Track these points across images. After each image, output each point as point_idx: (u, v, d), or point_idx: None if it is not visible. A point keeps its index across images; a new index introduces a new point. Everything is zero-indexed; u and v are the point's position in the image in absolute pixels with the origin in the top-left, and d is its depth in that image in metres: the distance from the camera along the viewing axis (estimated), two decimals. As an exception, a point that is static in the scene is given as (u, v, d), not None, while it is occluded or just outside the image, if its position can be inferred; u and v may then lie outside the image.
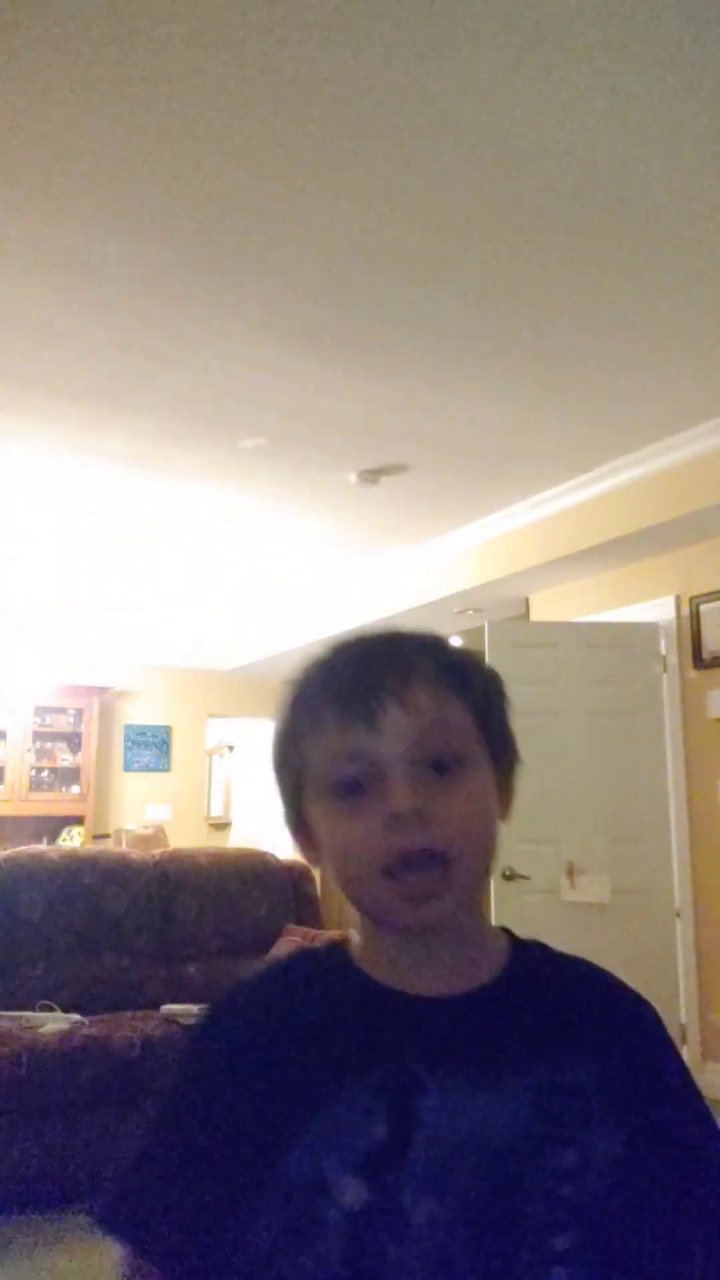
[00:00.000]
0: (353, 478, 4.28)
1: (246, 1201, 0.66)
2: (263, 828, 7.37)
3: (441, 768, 0.68)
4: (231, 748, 8.79)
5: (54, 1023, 3.30)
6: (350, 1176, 0.64)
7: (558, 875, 4.19)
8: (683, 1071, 0.74)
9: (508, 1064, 0.68)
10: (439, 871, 0.66)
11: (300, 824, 0.75)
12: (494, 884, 4.24)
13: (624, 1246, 0.66)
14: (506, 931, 0.77)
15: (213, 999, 0.77)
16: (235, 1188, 0.66)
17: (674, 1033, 4.16)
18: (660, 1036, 0.75)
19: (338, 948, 0.76)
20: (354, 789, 0.68)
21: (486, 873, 0.71)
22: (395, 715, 0.68)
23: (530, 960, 0.75)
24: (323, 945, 0.78)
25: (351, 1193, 0.64)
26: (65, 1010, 3.41)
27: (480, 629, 4.55)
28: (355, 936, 0.75)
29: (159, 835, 7.02)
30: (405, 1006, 0.69)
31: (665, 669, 4.50)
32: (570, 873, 4.19)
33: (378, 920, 0.70)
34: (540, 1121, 0.66)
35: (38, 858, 3.90)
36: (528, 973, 0.74)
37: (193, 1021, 0.73)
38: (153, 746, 8.30)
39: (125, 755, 8.17)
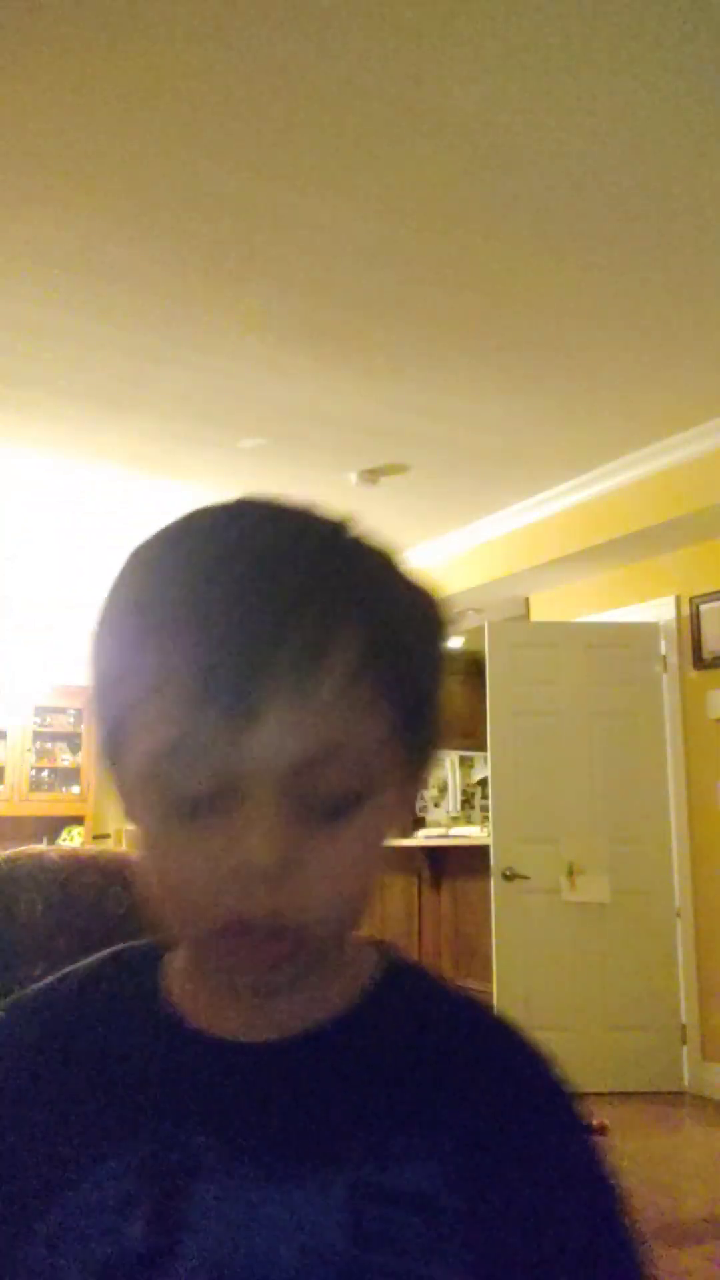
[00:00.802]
0: (353, 478, 4.28)
1: None
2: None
3: (333, 809, 0.44)
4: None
5: (54, 1023, 3.29)
6: None
7: (558, 875, 4.19)
8: (591, 1171, 0.50)
9: (322, 1148, 0.46)
10: (285, 942, 0.44)
11: (113, 763, 0.51)
12: (494, 884, 4.24)
13: None
14: (382, 948, 0.55)
15: None
16: None
17: (674, 1033, 4.20)
18: (564, 1117, 0.51)
19: (155, 954, 0.55)
20: (198, 803, 0.45)
21: (356, 924, 0.49)
22: (285, 717, 0.42)
23: (397, 995, 0.53)
24: (145, 945, 0.56)
25: None
26: (65, 1010, 3.40)
27: (480, 629, 4.56)
28: None
29: (159, 835, 7.01)
30: (203, 1053, 0.49)
31: (665, 669, 4.50)
32: (570, 873, 4.19)
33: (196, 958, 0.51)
34: (358, 1243, 0.44)
35: (38, 858, 3.89)
36: (387, 1013, 0.51)
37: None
38: (153, 746, 8.29)
39: (125, 755, 8.17)
